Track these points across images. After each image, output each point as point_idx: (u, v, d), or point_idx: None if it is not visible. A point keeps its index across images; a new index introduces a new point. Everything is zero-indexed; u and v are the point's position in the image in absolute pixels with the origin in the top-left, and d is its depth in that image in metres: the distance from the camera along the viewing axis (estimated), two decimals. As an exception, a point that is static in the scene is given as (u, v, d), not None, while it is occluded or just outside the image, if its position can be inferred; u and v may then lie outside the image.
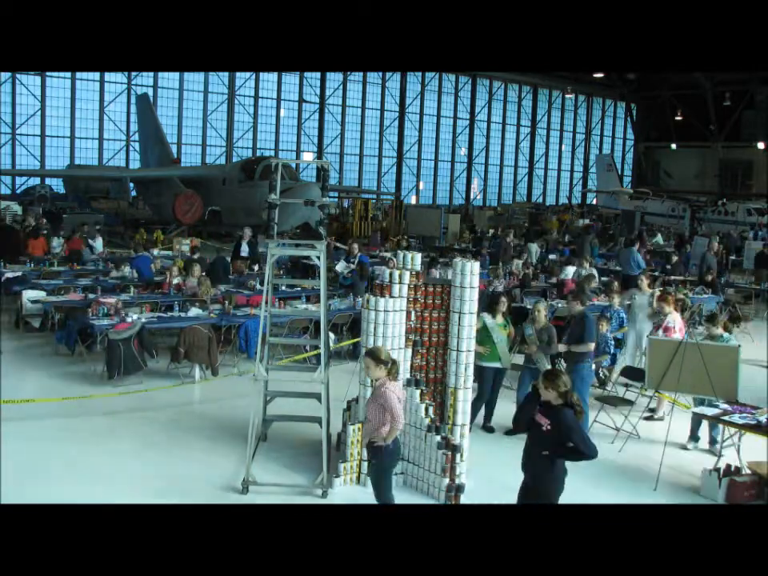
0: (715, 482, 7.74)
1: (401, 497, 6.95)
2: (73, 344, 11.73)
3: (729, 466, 7.92)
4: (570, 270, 17.09)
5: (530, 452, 5.72)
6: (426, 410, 7.62)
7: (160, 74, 39.95)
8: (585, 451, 5.47)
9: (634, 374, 10.51)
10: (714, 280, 18.27)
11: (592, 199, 53.51)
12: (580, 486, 8.07)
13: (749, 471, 7.86)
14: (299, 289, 14.46)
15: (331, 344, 11.01)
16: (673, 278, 19.29)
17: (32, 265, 16.56)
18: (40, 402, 9.36)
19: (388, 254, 18.38)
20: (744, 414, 8.06)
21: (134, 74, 38.62)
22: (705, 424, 9.05)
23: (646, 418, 10.12)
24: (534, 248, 22.78)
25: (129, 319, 11.19)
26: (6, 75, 34.97)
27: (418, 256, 8.14)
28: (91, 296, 12.84)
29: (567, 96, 55.58)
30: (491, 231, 30.62)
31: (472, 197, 53.19)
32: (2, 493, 6.19)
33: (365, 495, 7.34)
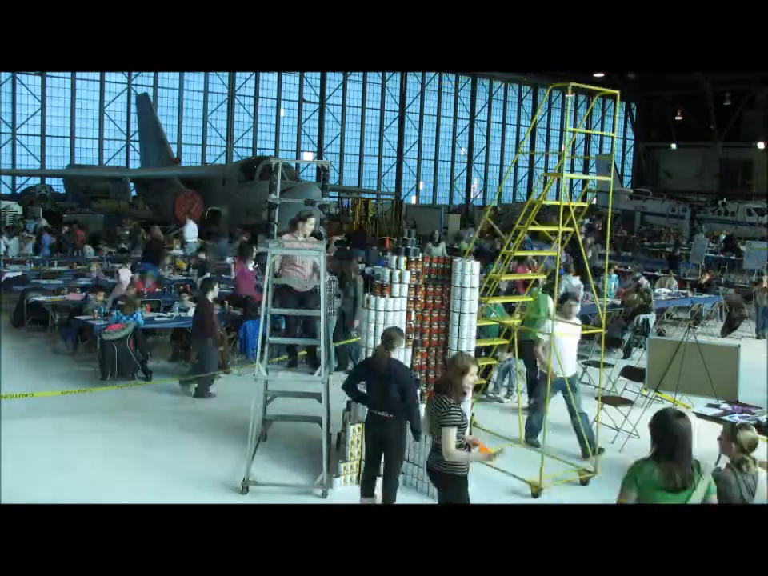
0: (715, 481, 7.74)
1: (401, 497, 6.94)
2: (74, 343, 11.75)
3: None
4: None
5: None
6: (426, 409, 7.61)
7: (160, 74, 39.91)
8: None
9: (633, 373, 10.51)
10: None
11: (592, 199, 53.41)
12: (580, 486, 8.09)
13: (749, 471, 7.85)
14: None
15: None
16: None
17: (32, 265, 16.57)
18: (40, 399, 9.36)
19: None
20: (744, 414, 8.06)
21: (134, 73, 38.60)
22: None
23: None
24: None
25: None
26: (6, 75, 34.93)
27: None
28: (91, 296, 12.81)
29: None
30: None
31: (472, 197, 53.16)
32: (2, 493, 6.19)
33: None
